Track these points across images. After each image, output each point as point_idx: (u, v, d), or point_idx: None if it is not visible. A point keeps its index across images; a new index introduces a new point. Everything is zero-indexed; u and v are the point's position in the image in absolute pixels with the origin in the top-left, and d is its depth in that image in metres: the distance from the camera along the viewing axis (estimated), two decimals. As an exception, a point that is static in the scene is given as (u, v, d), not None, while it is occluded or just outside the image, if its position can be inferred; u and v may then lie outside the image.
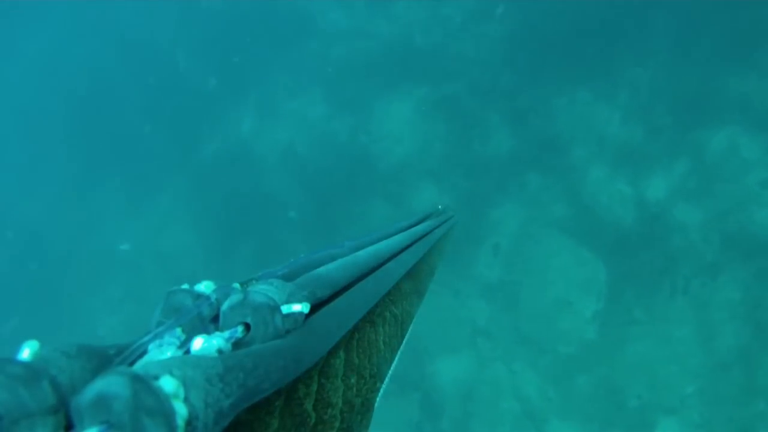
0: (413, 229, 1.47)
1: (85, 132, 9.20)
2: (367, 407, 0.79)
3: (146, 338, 0.53)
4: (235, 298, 0.57)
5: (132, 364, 0.50)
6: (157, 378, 0.39)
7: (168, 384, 0.39)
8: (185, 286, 0.61)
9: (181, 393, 0.40)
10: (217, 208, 7.72)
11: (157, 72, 8.91)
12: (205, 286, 0.62)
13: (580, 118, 6.29)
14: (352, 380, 0.76)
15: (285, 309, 0.60)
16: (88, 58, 9.75)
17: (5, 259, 8.91)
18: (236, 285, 0.66)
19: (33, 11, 10.73)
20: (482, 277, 6.20)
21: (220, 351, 0.50)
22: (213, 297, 0.60)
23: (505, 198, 6.48)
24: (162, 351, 0.51)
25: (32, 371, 0.39)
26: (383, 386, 0.87)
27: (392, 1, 7.60)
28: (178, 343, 0.53)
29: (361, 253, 0.95)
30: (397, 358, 1.00)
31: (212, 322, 0.60)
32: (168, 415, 0.37)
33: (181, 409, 0.39)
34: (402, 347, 1.03)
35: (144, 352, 0.52)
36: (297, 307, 0.61)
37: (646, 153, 5.83)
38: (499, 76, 6.94)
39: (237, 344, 0.54)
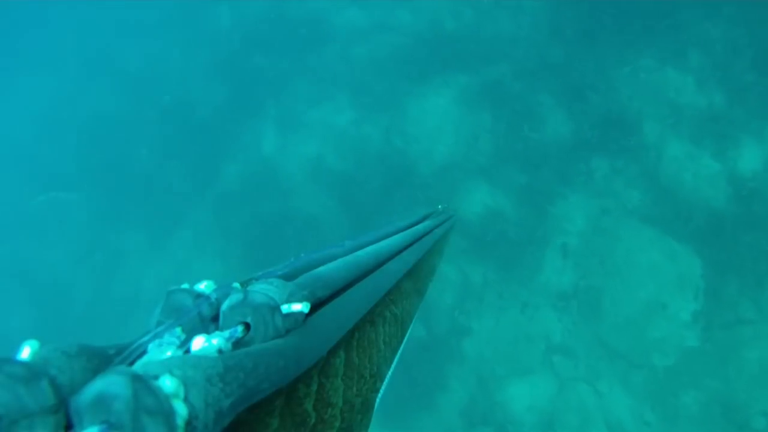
0: (413, 229, 1.60)
1: (98, 172, 10.22)
2: (367, 407, 0.86)
3: (146, 338, 0.58)
4: (235, 297, 0.64)
5: (132, 363, 0.55)
6: (157, 378, 0.44)
7: (168, 384, 0.44)
8: (185, 286, 0.68)
9: (181, 393, 0.45)
10: (245, 235, 8.29)
11: (168, 99, 9.80)
12: (205, 286, 0.69)
13: (646, 88, 6.26)
14: (353, 380, 0.83)
15: (285, 309, 0.67)
16: (96, 94, 10.93)
17: (31, 310, 9.95)
18: (236, 285, 0.73)
19: (39, 50, 12.23)
20: (552, 285, 6.25)
21: (220, 351, 0.56)
22: (213, 296, 0.67)
23: (570, 189, 6.53)
24: (162, 351, 0.57)
25: (32, 371, 0.43)
26: (383, 386, 0.94)
27: (414, -13, 8.00)
28: (178, 342, 0.59)
29: (361, 252, 1.05)
30: (397, 358, 1.08)
31: (212, 322, 0.66)
32: (168, 415, 0.42)
33: (181, 409, 0.44)
34: (402, 347, 1.12)
35: (144, 352, 0.57)
36: (297, 307, 0.67)
37: (730, 119, 5.69)
38: (545, 51, 7.08)
39: (237, 344, 0.60)
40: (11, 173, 11.67)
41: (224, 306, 0.64)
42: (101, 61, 10.97)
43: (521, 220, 6.58)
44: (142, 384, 0.42)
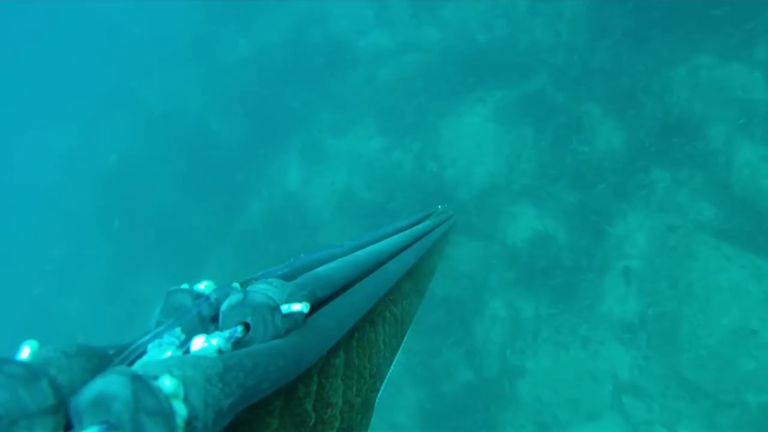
0: (413, 229, 1.70)
1: (119, 216, 10.97)
2: (367, 407, 0.93)
3: (146, 338, 0.63)
4: (234, 297, 0.70)
5: (132, 363, 0.58)
6: (156, 378, 0.48)
7: (167, 384, 0.48)
8: (185, 286, 0.73)
9: (181, 393, 0.48)
10: None
11: (188, 136, 10.50)
12: (204, 286, 0.75)
13: (708, 87, 6.23)
14: (352, 380, 0.89)
15: (285, 309, 0.72)
16: (116, 136, 11.85)
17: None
18: (236, 285, 0.78)
19: (59, 96, 13.46)
20: (615, 315, 6.12)
21: (219, 351, 0.61)
22: (213, 297, 0.72)
23: (629, 206, 6.47)
24: (162, 351, 0.61)
25: (31, 371, 0.46)
26: (383, 386, 1.01)
27: (439, 3, 8.43)
28: (177, 342, 0.63)
29: (361, 252, 1.13)
30: (397, 358, 1.16)
31: (212, 322, 0.71)
32: (167, 415, 0.45)
33: (180, 409, 0.47)
34: (402, 347, 1.20)
35: (143, 352, 0.62)
36: (297, 307, 0.73)
37: (810, 113, 5.58)
38: (588, 56, 7.20)
39: (237, 344, 0.65)
40: (34, 221, 12.69)
41: (224, 306, 0.70)
42: (120, 101, 11.94)
43: (575, 244, 6.55)
44: (142, 384, 0.45)
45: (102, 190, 11.33)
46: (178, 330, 0.67)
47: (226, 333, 0.66)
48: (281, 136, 9.20)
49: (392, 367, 1.16)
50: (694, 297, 5.69)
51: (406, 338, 1.30)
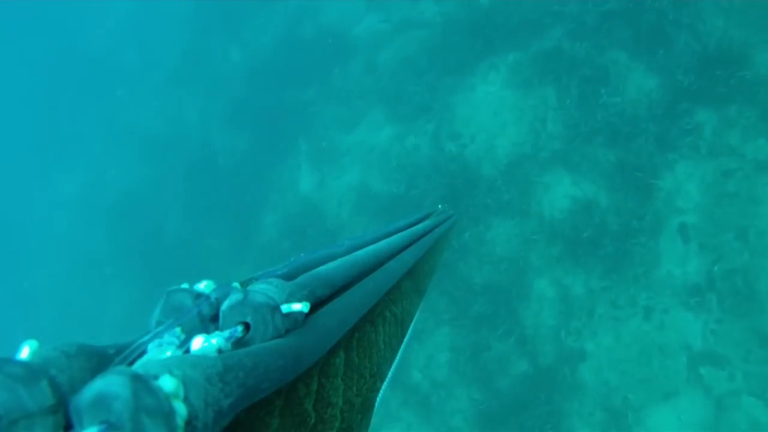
0: (413, 229, 1.79)
1: (133, 247, 11.16)
2: (367, 406, 0.97)
3: (146, 338, 0.66)
4: (235, 297, 0.73)
5: (132, 363, 0.61)
6: (156, 377, 0.50)
7: (168, 383, 0.50)
8: (185, 286, 0.77)
9: (181, 392, 0.51)
10: None
11: (193, 163, 10.60)
12: (204, 286, 0.79)
13: (744, 9, 5.89)
14: (353, 380, 0.93)
15: (285, 308, 0.75)
16: (122, 167, 12.10)
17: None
18: (236, 284, 0.82)
19: (65, 139, 13.85)
20: (677, 279, 5.81)
21: (219, 350, 0.64)
22: (213, 296, 0.76)
23: (675, 156, 6.15)
24: (162, 350, 0.64)
25: (31, 371, 0.48)
26: (383, 386, 1.06)
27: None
28: (177, 342, 0.66)
29: (361, 252, 1.19)
30: (397, 358, 1.22)
31: (212, 322, 0.75)
32: (168, 415, 0.48)
33: (180, 409, 0.49)
34: (403, 347, 1.26)
35: (144, 352, 0.65)
36: (297, 307, 0.76)
37: None
38: (604, -1, 6.91)
39: (237, 344, 0.69)
40: (52, 262, 13.08)
41: (224, 306, 0.73)
42: (121, 133, 12.19)
43: (621, 206, 6.29)
44: (142, 384, 0.47)
45: (113, 229, 11.56)
46: (178, 330, 0.70)
47: (226, 333, 0.68)
48: (287, 141, 9.25)
49: (393, 367, 1.21)
50: (765, 246, 5.36)
51: (406, 338, 1.36)
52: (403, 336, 1.33)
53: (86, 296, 12.08)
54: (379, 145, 8.17)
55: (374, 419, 1.02)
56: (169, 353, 0.64)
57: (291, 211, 8.90)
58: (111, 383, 0.46)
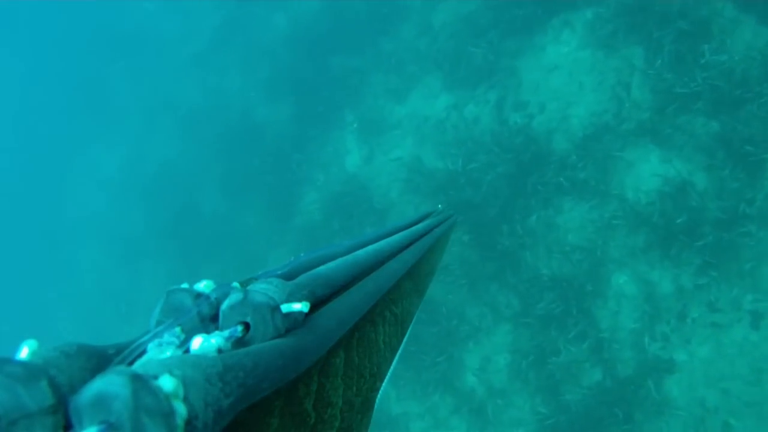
0: (413, 228, 1.90)
1: (171, 228, 11.39)
2: (367, 406, 1.04)
3: (146, 338, 0.71)
4: (235, 297, 0.78)
5: (131, 363, 0.66)
6: (156, 377, 0.54)
7: (167, 383, 0.54)
8: (185, 285, 0.81)
9: (181, 392, 0.54)
10: None
11: (233, 137, 10.67)
12: (204, 286, 0.83)
13: None
14: (352, 379, 0.99)
15: (285, 308, 0.80)
16: (161, 143, 12.36)
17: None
18: (236, 284, 0.87)
19: (105, 110, 14.30)
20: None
21: (219, 350, 0.69)
22: (212, 296, 0.81)
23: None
24: (161, 350, 0.69)
25: (31, 371, 0.52)
26: (383, 385, 1.15)
27: None
28: (177, 342, 0.71)
29: (361, 252, 1.26)
30: (397, 358, 1.32)
31: (212, 322, 0.79)
32: (167, 415, 0.51)
33: (180, 409, 0.53)
34: (402, 347, 1.36)
35: (143, 352, 0.69)
36: (297, 306, 0.81)
37: None
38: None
39: (237, 343, 0.73)
40: (89, 239, 13.66)
41: (224, 306, 0.78)
42: (160, 107, 12.45)
43: (724, 188, 5.70)
44: (142, 384, 0.51)
45: (150, 206, 11.93)
46: (178, 329, 0.76)
47: (226, 332, 0.74)
48: (333, 112, 9.14)
49: (392, 367, 1.28)
50: None
51: (406, 338, 1.44)
52: (403, 336, 1.41)
53: (122, 274, 12.53)
54: (434, 116, 7.90)
55: (373, 418, 1.08)
56: (169, 353, 0.69)
57: (334, 188, 8.79)
58: (111, 383, 0.50)
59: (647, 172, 6.18)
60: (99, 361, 0.65)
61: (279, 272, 1.00)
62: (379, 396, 1.15)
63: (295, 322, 0.82)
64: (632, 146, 6.33)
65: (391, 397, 7.44)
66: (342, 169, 8.94)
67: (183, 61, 12.69)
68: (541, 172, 6.76)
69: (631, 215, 6.17)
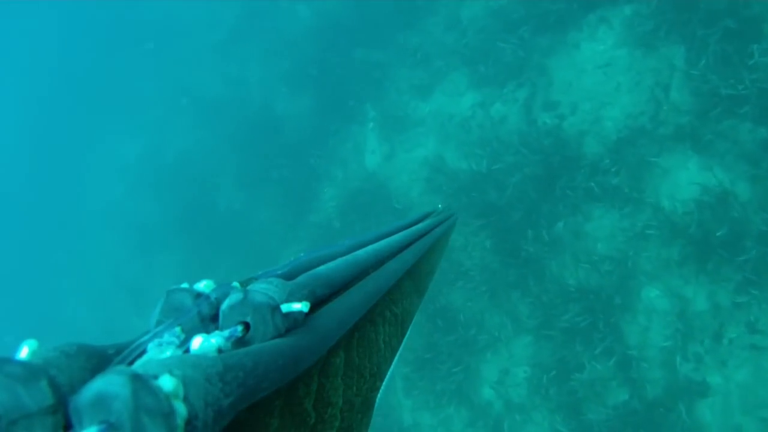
0: (413, 228, 1.94)
1: (186, 221, 11.42)
2: (367, 406, 1.07)
3: (145, 337, 0.73)
4: (235, 297, 0.80)
5: (131, 363, 0.67)
6: (156, 377, 0.55)
7: (167, 383, 0.55)
8: (185, 285, 0.84)
9: (181, 392, 0.56)
10: None
11: (252, 129, 10.66)
12: (204, 285, 0.87)
13: None
14: (353, 379, 1.03)
15: (285, 308, 0.83)
16: (179, 133, 12.44)
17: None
18: (236, 284, 0.90)
19: (125, 99, 14.43)
20: None
21: (219, 350, 0.70)
22: (212, 296, 0.84)
23: None
24: (161, 350, 0.71)
25: (31, 371, 0.53)
26: (383, 385, 1.19)
27: None
28: (177, 342, 0.73)
29: (361, 252, 1.30)
30: (397, 358, 1.35)
31: (212, 322, 0.82)
32: (167, 415, 0.52)
33: (180, 409, 0.54)
34: (402, 347, 1.40)
35: (143, 352, 0.71)
36: (297, 306, 0.83)
37: None
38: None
39: (237, 343, 0.76)
40: (105, 229, 13.83)
41: (224, 305, 0.81)
42: (180, 94, 12.56)
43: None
44: (142, 383, 0.52)
45: (165, 197, 12.07)
46: (177, 329, 0.77)
47: (226, 332, 0.75)
48: (355, 107, 8.95)
49: (392, 366, 1.31)
50: None
51: (405, 338, 1.46)
52: (403, 336, 1.44)
53: (135, 266, 12.66)
54: (459, 114, 7.77)
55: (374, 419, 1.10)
56: (169, 353, 0.70)
57: (353, 185, 8.70)
58: (110, 383, 0.51)
59: (685, 179, 5.96)
60: (99, 361, 0.67)
61: (279, 272, 1.02)
62: (379, 396, 1.18)
63: (295, 322, 0.84)
64: (669, 152, 6.13)
65: (404, 406, 7.29)
66: (361, 165, 8.85)
67: (205, 50, 12.75)
68: (570, 176, 6.58)
69: (666, 225, 5.95)
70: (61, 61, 17.78)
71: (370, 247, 1.37)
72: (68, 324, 14.43)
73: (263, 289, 0.86)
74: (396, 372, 7.66)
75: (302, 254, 1.17)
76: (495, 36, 7.63)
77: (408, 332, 1.49)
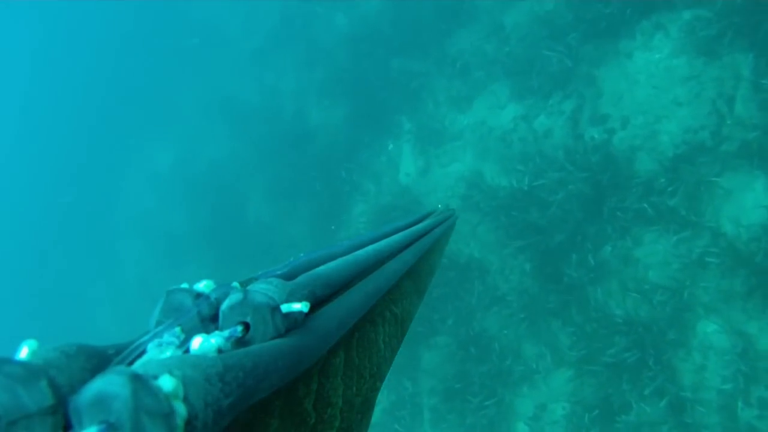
0: (412, 228, 1.98)
1: (215, 233, 11.49)
2: (367, 406, 1.13)
3: (145, 338, 0.76)
4: (234, 297, 0.83)
5: (131, 363, 0.72)
6: (156, 377, 0.59)
7: (167, 383, 0.59)
8: (185, 285, 0.87)
9: (181, 392, 0.59)
10: None
11: (284, 139, 10.70)
12: (204, 286, 0.89)
13: None
14: (352, 379, 1.07)
15: (285, 308, 0.86)
16: (212, 143, 12.58)
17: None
18: (236, 284, 0.93)
19: (162, 107, 14.74)
20: None
21: (219, 350, 0.74)
22: (212, 296, 0.87)
23: None
24: (161, 350, 0.74)
25: (30, 371, 0.56)
26: (383, 385, 1.25)
27: None
28: (177, 342, 0.76)
29: (361, 252, 1.33)
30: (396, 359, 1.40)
31: (212, 322, 0.85)
32: (167, 415, 0.56)
33: (180, 409, 0.58)
34: (401, 347, 1.44)
35: (143, 352, 0.75)
36: (297, 306, 0.87)
37: None
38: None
39: (237, 343, 0.80)
40: (135, 240, 14.10)
41: (224, 306, 0.83)
42: (216, 102, 12.73)
43: None
44: (142, 384, 0.54)
45: (195, 207, 12.29)
46: (177, 329, 0.79)
47: (226, 332, 0.77)
48: (390, 118, 8.92)
49: (391, 367, 1.35)
50: None
51: (405, 339, 1.51)
52: (403, 336, 1.48)
53: (163, 275, 12.85)
54: (500, 127, 7.61)
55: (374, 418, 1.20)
56: (169, 353, 0.72)
57: (385, 201, 8.60)
58: (110, 383, 0.52)
59: (751, 202, 5.64)
60: (99, 361, 0.68)
61: (279, 272, 1.05)
62: (378, 396, 1.23)
63: (295, 322, 0.87)
64: (733, 171, 5.85)
65: (431, 440, 6.99)
66: (395, 180, 8.73)
67: (242, 57, 12.88)
68: (620, 195, 6.32)
69: (728, 253, 5.61)
70: (109, 66, 18.35)
71: (370, 247, 1.41)
72: (92, 330, 14.79)
73: (263, 290, 0.89)
74: (423, 403, 7.37)
75: (302, 254, 1.20)
76: (540, 44, 7.42)
77: (407, 332, 1.54)
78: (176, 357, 0.65)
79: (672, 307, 5.84)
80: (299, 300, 0.88)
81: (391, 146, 8.88)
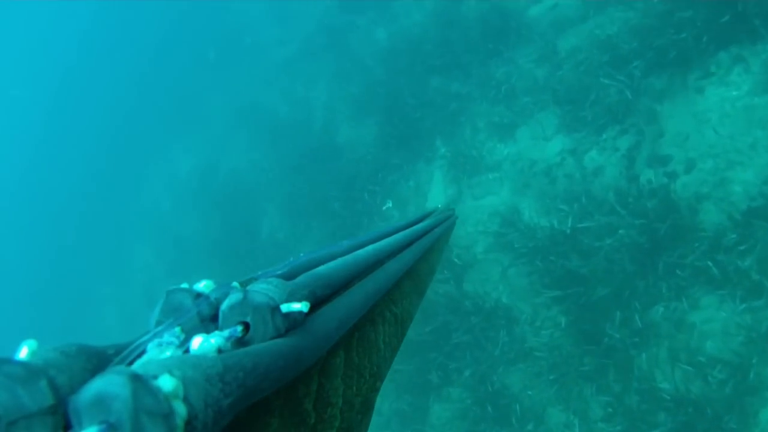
0: (412, 228, 2.08)
1: (232, 249, 11.17)
2: (367, 406, 1.17)
3: (145, 338, 0.79)
4: (234, 297, 0.88)
5: (131, 363, 0.74)
6: (156, 377, 0.61)
7: (167, 383, 0.61)
8: (185, 285, 0.92)
9: (181, 392, 0.61)
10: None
11: (310, 155, 10.42)
12: (204, 286, 0.95)
13: None
14: (352, 379, 1.12)
15: (285, 308, 0.91)
16: (235, 153, 12.36)
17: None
18: (236, 284, 0.98)
19: (189, 113, 14.67)
20: None
21: (219, 350, 0.77)
22: (212, 296, 0.92)
23: None
24: (161, 350, 0.77)
25: (30, 371, 0.57)
26: (382, 385, 1.30)
27: None
28: (177, 342, 0.80)
29: (361, 252, 1.42)
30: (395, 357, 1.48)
31: (212, 322, 0.89)
32: (167, 415, 0.58)
33: (180, 409, 0.60)
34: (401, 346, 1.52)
35: (143, 352, 0.77)
36: (297, 306, 0.91)
37: None
38: None
39: (237, 343, 0.83)
40: (146, 245, 14.00)
41: (224, 306, 0.86)
42: (244, 109, 12.66)
43: None
44: (141, 384, 0.55)
45: (210, 219, 12.11)
46: (177, 330, 0.81)
47: (226, 332, 0.79)
48: (422, 141, 8.54)
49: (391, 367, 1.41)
50: None
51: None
52: (403, 336, 1.52)
53: (169, 283, 12.61)
54: (544, 160, 7.30)
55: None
56: (168, 353, 0.75)
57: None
58: (110, 383, 0.53)
59: None
60: (99, 361, 0.69)
61: (279, 272, 1.06)
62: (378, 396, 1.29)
63: (295, 322, 0.89)
64: None
65: None
66: (421, 208, 8.32)
67: (272, 66, 12.73)
68: (680, 249, 5.77)
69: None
70: (134, 68, 18.60)
71: (370, 248, 1.45)
72: (96, 331, 14.76)
73: (263, 290, 0.91)
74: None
75: (302, 254, 1.22)
76: (598, 71, 7.07)
77: (407, 332, 1.60)
78: (176, 357, 0.68)
79: (732, 387, 5.42)
80: (299, 300, 0.91)
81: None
